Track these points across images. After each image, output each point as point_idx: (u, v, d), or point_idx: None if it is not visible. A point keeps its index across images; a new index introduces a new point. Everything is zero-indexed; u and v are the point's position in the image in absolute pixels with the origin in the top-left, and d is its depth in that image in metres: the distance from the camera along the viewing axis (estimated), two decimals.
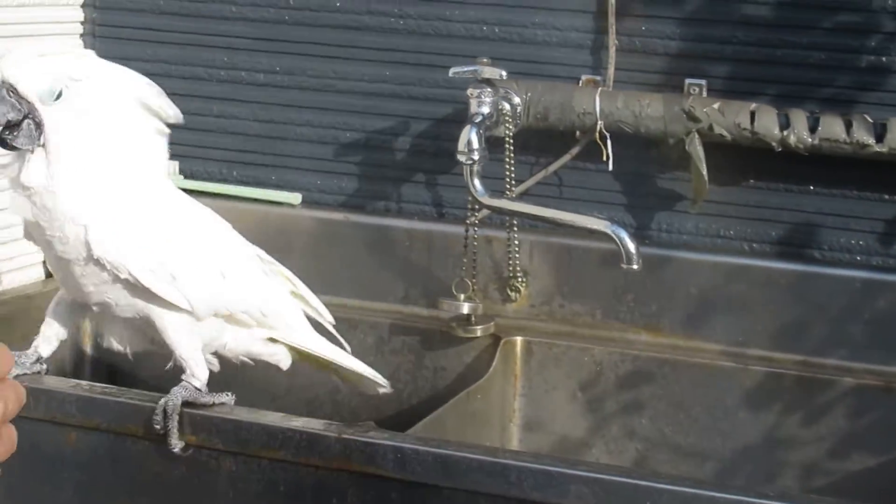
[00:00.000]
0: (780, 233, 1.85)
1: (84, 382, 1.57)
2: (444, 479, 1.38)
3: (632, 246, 1.67)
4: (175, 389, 1.46)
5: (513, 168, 1.87)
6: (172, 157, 2.02)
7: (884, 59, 1.78)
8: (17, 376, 1.48)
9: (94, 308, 1.51)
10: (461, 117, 1.84)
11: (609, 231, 1.68)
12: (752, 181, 1.85)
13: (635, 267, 1.66)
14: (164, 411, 1.44)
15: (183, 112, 2.05)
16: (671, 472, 1.80)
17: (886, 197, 1.80)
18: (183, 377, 1.48)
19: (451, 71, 1.80)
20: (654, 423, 1.83)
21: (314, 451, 1.42)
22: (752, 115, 1.77)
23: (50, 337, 1.55)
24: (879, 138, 1.73)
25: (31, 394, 1.44)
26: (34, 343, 1.55)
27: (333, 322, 1.67)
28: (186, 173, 2.08)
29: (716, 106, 1.79)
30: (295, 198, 2.03)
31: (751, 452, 1.81)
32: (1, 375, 0.88)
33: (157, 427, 1.44)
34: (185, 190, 2.02)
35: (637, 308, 1.86)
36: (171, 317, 1.48)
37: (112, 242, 1.43)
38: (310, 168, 2.04)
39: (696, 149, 1.80)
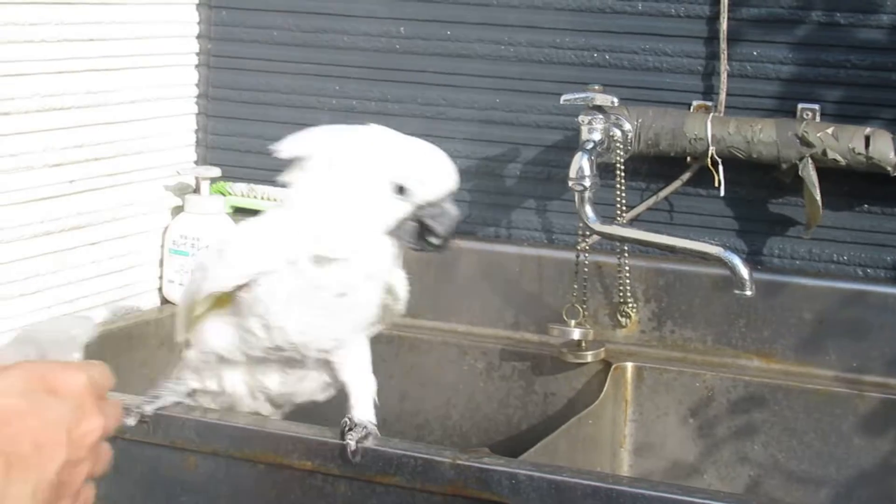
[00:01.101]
0: (895, 258, 1.83)
1: (201, 407, 1.59)
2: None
3: (745, 272, 1.66)
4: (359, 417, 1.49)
5: (624, 194, 1.87)
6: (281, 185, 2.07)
7: None
8: (175, 404, 1.55)
9: (297, 355, 1.53)
10: (572, 144, 1.84)
11: (722, 256, 1.68)
12: (866, 206, 1.84)
13: (748, 293, 1.66)
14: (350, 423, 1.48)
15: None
16: (785, 499, 1.78)
17: None
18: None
19: (563, 98, 1.81)
20: (766, 449, 1.82)
21: (429, 477, 1.43)
22: (867, 139, 1.76)
23: (200, 369, 1.58)
24: None
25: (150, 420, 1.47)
26: (183, 375, 1.59)
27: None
28: None
29: (829, 131, 1.77)
30: None
31: (866, 479, 1.78)
32: (102, 394, 0.92)
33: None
34: None
35: (749, 333, 1.85)
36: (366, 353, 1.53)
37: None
38: None
39: (810, 174, 1.79)
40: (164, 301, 2.08)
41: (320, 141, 1.47)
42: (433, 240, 1.46)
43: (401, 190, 1.43)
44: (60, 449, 0.86)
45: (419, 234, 1.46)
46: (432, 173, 1.45)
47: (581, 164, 1.76)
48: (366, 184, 1.43)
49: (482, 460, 1.42)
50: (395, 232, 1.45)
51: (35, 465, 0.85)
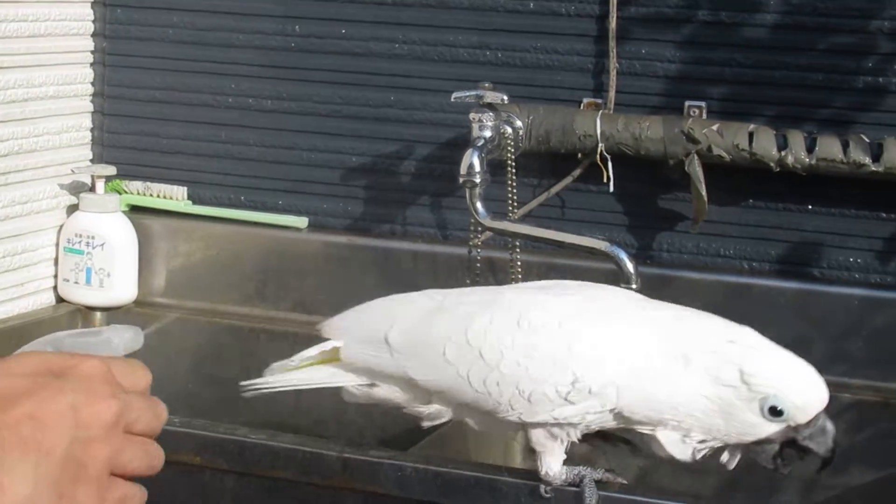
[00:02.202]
0: (780, 252, 1.87)
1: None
2: (443, 497, 1.41)
3: (630, 266, 1.69)
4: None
5: (515, 191, 1.89)
6: (181, 183, 2.08)
7: (880, 79, 1.80)
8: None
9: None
10: (464, 141, 1.86)
11: (609, 251, 1.71)
12: (751, 201, 1.88)
13: (634, 286, 1.69)
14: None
15: (191, 138, 2.11)
16: (673, 488, 1.82)
17: (883, 215, 1.82)
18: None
19: (453, 96, 1.83)
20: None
21: (317, 470, 1.45)
22: (751, 136, 1.80)
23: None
24: (876, 158, 1.76)
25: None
26: None
27: None
28: (195, 199, 2.11)
29: (715, 127, 1.81)
30: (301, 222, 2.06)
31: (752, 468, 1.82)
32: (129, 384, 0.88)
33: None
34: (193, 215, 2.07)
35: None
36: None
37: None
38: (316, 192, 2.07)
39: (696, 170, 1.82)
40: (60, 300, 2.07)
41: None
42: (809, 459, 1.34)
43: (774, 411, 1.30)
44: (64, 425, 0.82)
45: (776, 455, 1.35)
46: (810, 397, 1.31)
47: (472, 161, 1.78)
48: (733, 397, 1.31)
49: (369, 453, 1.44)
50: (754, 448, 1.35)
51: (35, 443, 0.81)
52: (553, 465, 1.37)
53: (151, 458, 0.87)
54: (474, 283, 1.91)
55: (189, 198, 2.11)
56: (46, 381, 0.83)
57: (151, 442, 0.88)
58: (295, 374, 1.50)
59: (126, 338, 1.01)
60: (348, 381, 1.47)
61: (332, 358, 1.48)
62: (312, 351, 1.49)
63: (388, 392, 1.45)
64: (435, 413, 1.43)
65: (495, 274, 1.93)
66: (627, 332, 1.35)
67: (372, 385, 1.46)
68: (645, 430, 1.35)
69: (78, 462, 0.82)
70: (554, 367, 1.33)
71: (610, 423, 1.36)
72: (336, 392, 1.51)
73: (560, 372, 1.33)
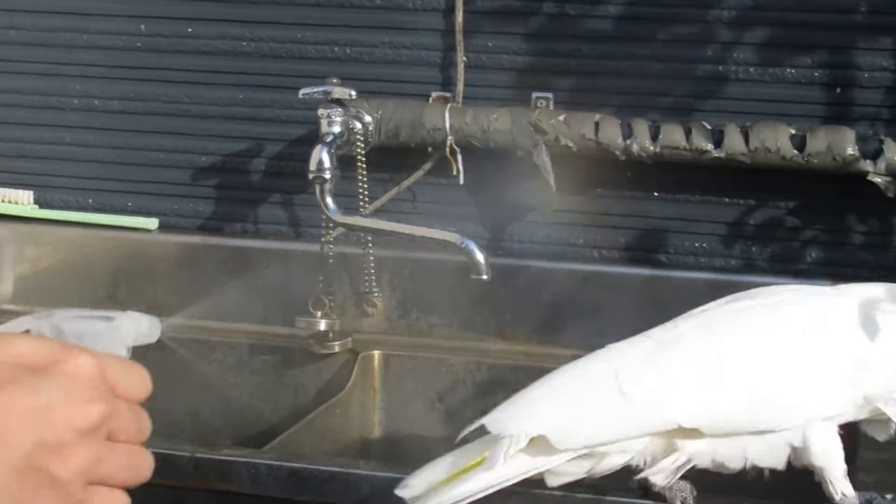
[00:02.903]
0: (628, 239, 1.90)
1: None
2: (297, 492, 1.40)
3: (480, 256, 1.71)
4: None
5: (366, 186, 1.89)
6: (27, 187, 2.04)
7: (720, 67, 1.84)
8: None
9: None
10: (314, 137, 1.86)
11: (458, 242, 1.72)
12: (599, 190, 1.90)
13: (484, 277, 1.70)
14: None
15: (36, 141, 2.08)
16: None
17: (727, 200, 1.86)
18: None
19: (301, 92, 1.82)
20: None
21: (169, 472, 1.43)
22: (597, 125, 1.82)
23: None
24: (718, 144, 1.79)
25: None
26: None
27: None
28: (42, 203, 2.08)
29: (561, 118, 1.83)
30: (151, 223, 2.04)
31: None
32: (119, 390, 0.81)
33: None
34: (40, 220, 2.04)
35: (492, 317, 1.90)
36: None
37: None
38: (166, 193, 2.05)
39: (544, 160, 1.84)
40: None
41: None
42: None
43: None
44: (27, 427, 0.76)
45: None
46: None
47: (321, 157, 1.78)
48: None
49: (221, 452, 1.43)
50: None
51: None
52: (845, 486, 1.34)
53: (137, 467, 0.82)
54: (327, 280, 1.90)
55: (35, 202, 2.08)
56: (21, 376, 0.77)
57: (139, 449, 0.82)
58: (480, 476, 1.31)
59: (142, 326, 0.91)
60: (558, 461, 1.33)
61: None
62: (465, 457, 1.33)
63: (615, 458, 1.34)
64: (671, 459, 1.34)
65: (348, 269, 1.93)
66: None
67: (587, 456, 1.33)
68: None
69: (41, 469, 0.76)
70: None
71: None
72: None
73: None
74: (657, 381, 1.33)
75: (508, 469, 1.30)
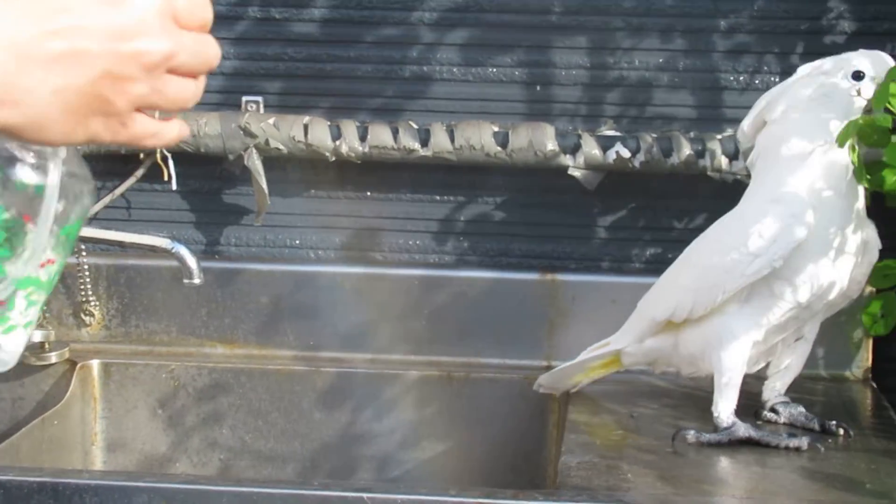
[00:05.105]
0: (342, 238, 1.93)
1: None
2: None
3: (192, 261, 1.72)
4: None
5: None
6: None
7: (425, 68, 1.88)
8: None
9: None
10: None
11: (169, 248, 1.73)
12: (312, 191, 1.93)
13: (196, 281, 1.72)
14: None
15: None
16: (255, 478, 1.85)
17: (437, 197, 1.91)
18: None
19: None
20: (234, 433, 1.88)
21: None
22: (306, 127, 1.85)
23: None
24: (424, 143, 1.84)
25: None
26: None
27: None
28: None
29: (271, 121, 1.85)
30: None
31: (329, 451, 1.88)
32: (192, 25, 0.84)
33: None
34: None
35: (211, 322, 1.91)
36: None
37: None
38: None
39: (255, 163, 1.86)
40: None
41: None
42: None
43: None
44: (97, 55, 0.78)
45: None
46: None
47: None
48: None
49: None
50: None
51: (61, 65, 0.77)
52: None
53: (185, 95, 0.86)
54: None
55: None
56: (90, 6, 0.79)
57: (188, 81, 0.85)
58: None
59: None
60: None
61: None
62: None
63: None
64: None
65: (63, 279, 1.91)
66: None
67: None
68: None
69: (101, 96, 0.79)
70: None
71: None
72: None
73: None
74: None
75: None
